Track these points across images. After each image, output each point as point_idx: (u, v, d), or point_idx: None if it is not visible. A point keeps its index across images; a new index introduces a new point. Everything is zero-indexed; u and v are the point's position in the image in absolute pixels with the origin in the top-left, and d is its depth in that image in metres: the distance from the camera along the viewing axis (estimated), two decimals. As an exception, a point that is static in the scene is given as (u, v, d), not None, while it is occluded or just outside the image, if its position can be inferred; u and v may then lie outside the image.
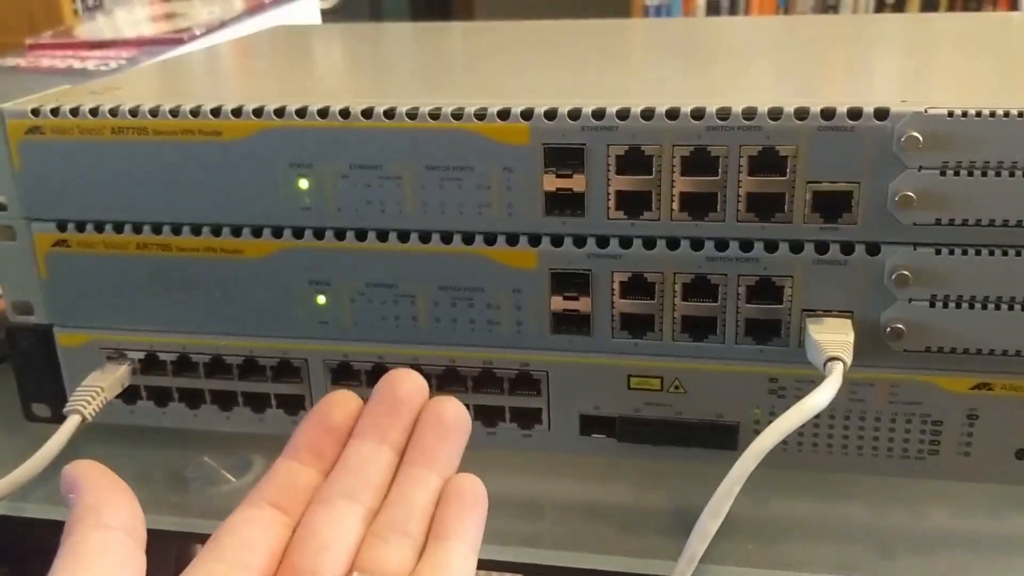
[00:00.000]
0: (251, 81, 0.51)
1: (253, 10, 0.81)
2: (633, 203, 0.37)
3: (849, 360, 0.36)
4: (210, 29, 0.75)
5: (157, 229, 0.42)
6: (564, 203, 0.38)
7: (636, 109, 0.36)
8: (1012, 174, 0.34)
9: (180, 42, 0.72)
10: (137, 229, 0.42)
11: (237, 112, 0.39)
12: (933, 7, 2.30)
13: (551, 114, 0.37)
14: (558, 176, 0.38)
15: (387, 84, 0.49)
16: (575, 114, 0.37)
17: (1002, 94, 0.39)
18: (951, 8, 2.30)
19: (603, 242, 0.38)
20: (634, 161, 0.37)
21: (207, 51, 0.59)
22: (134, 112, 0.40)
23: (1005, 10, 2.26)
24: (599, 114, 0.36)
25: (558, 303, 0.40)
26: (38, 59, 0.76)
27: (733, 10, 2.43)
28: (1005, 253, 0.35)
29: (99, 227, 0.42)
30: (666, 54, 0.55)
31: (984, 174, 0.34)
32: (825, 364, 0.36)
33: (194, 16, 0.95)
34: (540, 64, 0.51)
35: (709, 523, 0.35)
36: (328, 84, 0.49)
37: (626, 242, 0.38)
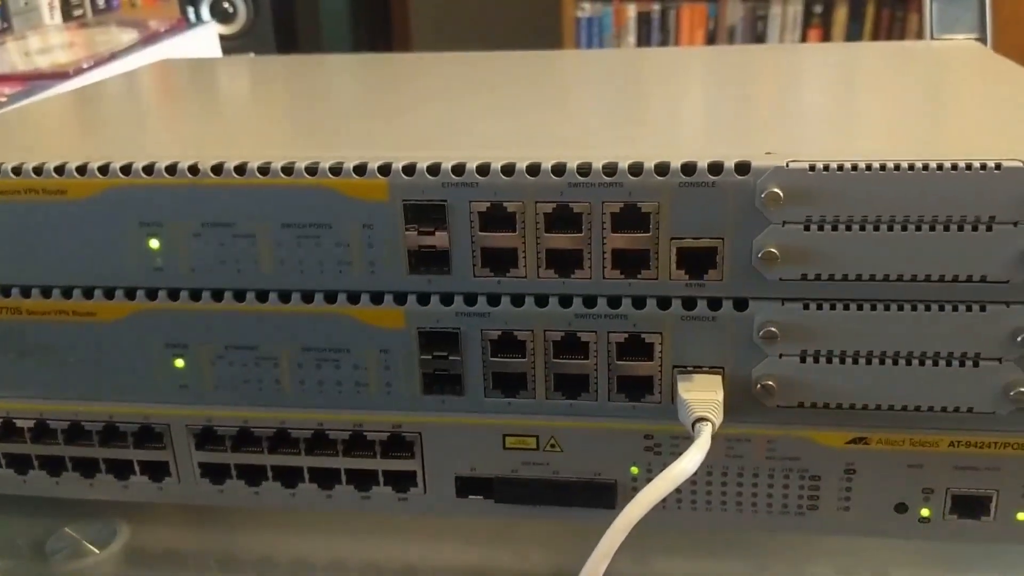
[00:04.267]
0: (115, 129, 0.49)
1: (147, 40, 0.78)
2: (499, 260, 0.36)
3: (719, 420, 0.35)
4: (98, 62, 0.72)
5: (6, 292, 0.40)
6: (429, 260, 0.37)
7: (496, 164, 0.35)
8: (876, 228, 0.33)
9: (66, 76, 0.69)
10: (-16, 291, 0.40)
11: (82, 170, 0.37)
12: (859, 26, 2.33)
13: (409, 169, 0.35)
14: (420, 233, 0.36)
15: (252, 132, 0.47)
16: (434, 169, 0.35)
17: (882, 142, 0.38)
18: (876, 27, 2.33)
19: (471, 300, 0.37)
20: (497, 217, 0.35)
21: (80, 92, 0.57)
22: (-26, 170, 0.38)
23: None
24: (459, 169, 0.35)
25: (428, 363, 0.38)
26: (-80, 94, 0.73)
27: (664, 24, 2.44)
28: (873, 308, 0.35)
29: (-56, 290, 0.40)
30: (566, 96, 0.54)
31: (848, 228, 0.33)
32: (694, 425, 0.34)
33: (110, 43, 0.92)
34: (422, 108, 0.50)
35: (578, 599, 0.33)
36: (196, 131, 0.47)
37: (494, 299, 0.37)
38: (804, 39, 2.36)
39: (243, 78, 0.61)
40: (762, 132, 0.41)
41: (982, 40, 0.75)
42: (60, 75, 0.71)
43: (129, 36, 0.90)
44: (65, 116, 0.51)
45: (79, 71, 0.71)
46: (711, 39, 2.41)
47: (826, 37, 2.38)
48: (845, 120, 0.43)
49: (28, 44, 1.06)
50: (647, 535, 0.34)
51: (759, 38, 2.38)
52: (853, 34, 2.33)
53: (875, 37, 2.30)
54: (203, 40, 0.82)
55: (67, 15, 1.26)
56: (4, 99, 0.66)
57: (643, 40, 2.43)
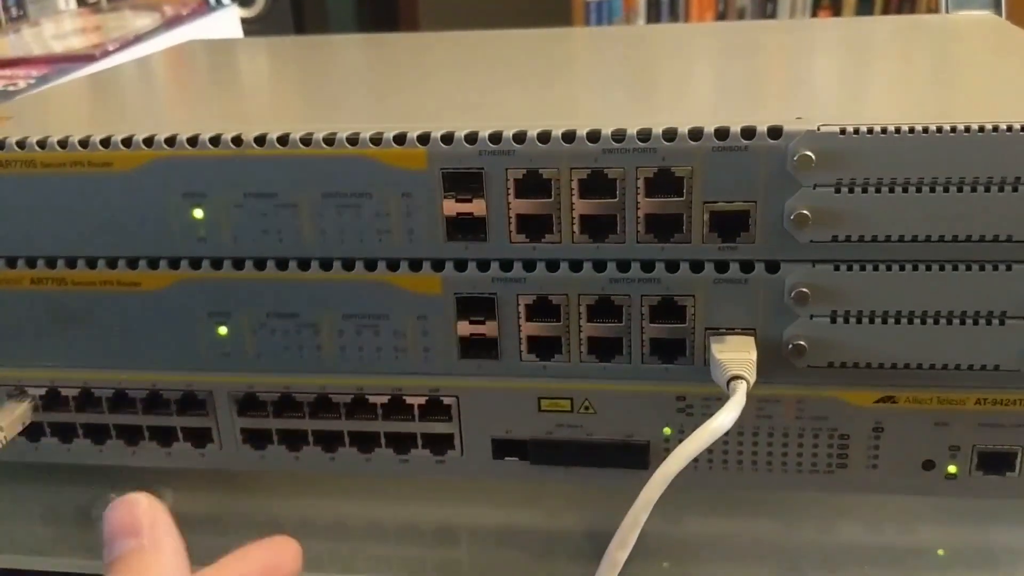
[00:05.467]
0: (152, 104, 0.50)
1: (171, 23, 0.79)
2: (534, 226, 0.37)
3: (752, 378, 0.36)
4: (124, 44, 0.73)
5: (51, 263, 0.41)
6: (465, 227, 0.37)
7: (532, 132, 0.36)
8: (905, 190, 0.34)
9: (92, 59, 0.71)
10: (31, 264, 0.41)
11: (127, 142, 0.38)
12: (868, 10, 2.32)
13: (448, 138, 0.36)
14: (458, 201, 0.37)
15: (291, 106, 0.48)
16: (472, 138, 0.36)
17: (902, 109, 0.39)
18: (886, 6, 2.32)
19: (507, 266, 0.38)
20: (533, 184, 0.36)
21: (112, 71, 0.58)
22: (21, 144, 0.39)
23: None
24: (496, 138, 0.36)
25: (464, 328, 0.39)
26: (-53, 79, 0.74)
27: (673, 7, 2.44)
28: (902, 268, 0.35)
29: (-9, 262, 0.41)
30: (586, 69, 0.55)
31: (878, 190, 0.34)
32: (728, 383, 0.35)
33: (124, 28, 0.93)
34: (452, 81, 0.51)
35: (618, 554, 0.34)
36: (231, 106, 0.48)
37: (529, 265, 0.38)
38: (814, 20, 2.35)
39: (272, 56, 0.62)
40: (788, 99, 0.42)
41: (997, 15, 0.75)
42: (86, 57, 0.72)
43: (143, 21, 0.91)
44: (102, 93, 0.52)
45: (105, 53, 0.72)
46: (721, 21, 2.40)
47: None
48: (870, 87, 0.44)
49: (43, 30, 1.08)
50: (678, 495, 0.35)
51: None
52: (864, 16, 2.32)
53: (885, 18, 2.30)
54: (225, 23, 0.83)
55: (81, 1, 1.27)
56: (33, 80, 0.67)
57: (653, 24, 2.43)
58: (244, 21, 0.98)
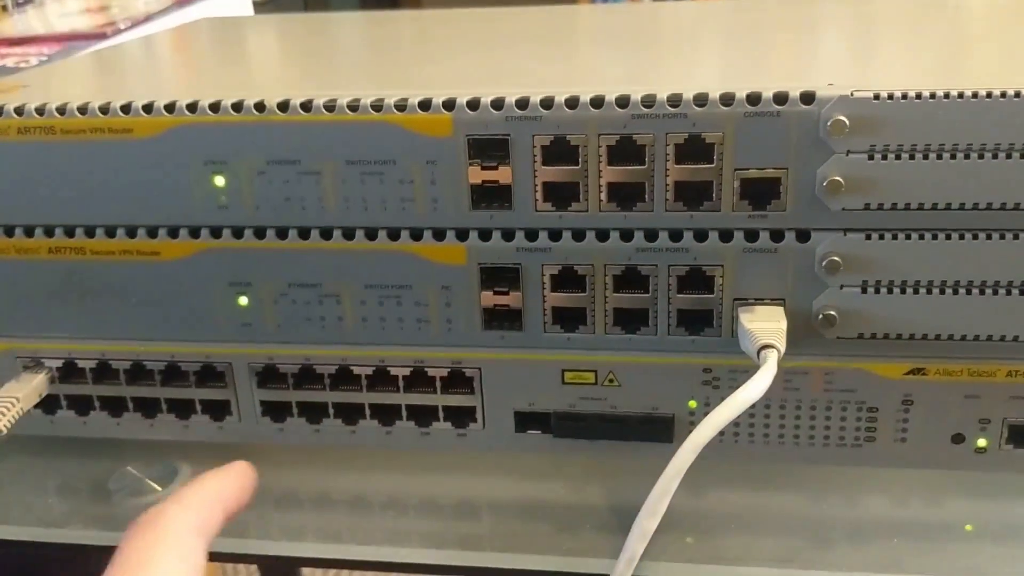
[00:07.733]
0: (168, 76, 0.50)
1: (182, 2, 0.79)
2: (561, 194, 0.37)
3: (782, 348, 0.35)
4: (135, 22, 0.72)
5: (70, 232, 0.40)
6: (491, 196, 0.37)
7: (560, 98, 0.35)
8: (940, 156, 0.34)
9: (104, 36, 0.70)
10: (49, 232, 0.40)
11: (148, 108, 0.38)
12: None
13: (473, 104, 0.36)
14: (483, 168, 0.36)
15: (310, 76, 0.47)
16: (498, 104, 0.36)
17: (935, 75, 0.38)
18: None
19: (532, 235, 0.37)
20: (560, 151, 0.36)
21: (125, 46, 0.57)
22: (40, 111, 0.38)
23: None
24: (523, 103, 0.35)
25: (488, 298, 0.39)
26: (-43, 57, 0.74)
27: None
28: (935, 237, 0.35)
29: (9, 231, 0.41)
30: (604, 41, 0.55)
31: (912, 157, 0.34)
32: (759, 353, 0.35)
33: (128, 8, 0.93)
34: (470, 53, 0.50)
35: (647, 522, 0.34)
36: (248, 77, 0.48)
37: (555, 234, 0.37)
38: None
39: (286, 32, 0.61)
40: (816, 67, 0.41)
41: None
42: (97, 36, 0.71)
43: (145, 1, 0.90)
44: (115, 66, 0.52)
45: (116, 31, 0.71)
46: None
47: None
48: (899, 55, 0.43)
49: (48, 11, 1.07)
50: (703, 469, 0.35)
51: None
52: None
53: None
54: (236, 2, 0.83)
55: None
56: (45, 57, 0.67)
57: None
58: (254, 4, 0.98)
